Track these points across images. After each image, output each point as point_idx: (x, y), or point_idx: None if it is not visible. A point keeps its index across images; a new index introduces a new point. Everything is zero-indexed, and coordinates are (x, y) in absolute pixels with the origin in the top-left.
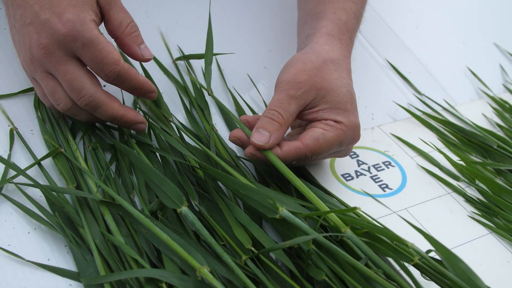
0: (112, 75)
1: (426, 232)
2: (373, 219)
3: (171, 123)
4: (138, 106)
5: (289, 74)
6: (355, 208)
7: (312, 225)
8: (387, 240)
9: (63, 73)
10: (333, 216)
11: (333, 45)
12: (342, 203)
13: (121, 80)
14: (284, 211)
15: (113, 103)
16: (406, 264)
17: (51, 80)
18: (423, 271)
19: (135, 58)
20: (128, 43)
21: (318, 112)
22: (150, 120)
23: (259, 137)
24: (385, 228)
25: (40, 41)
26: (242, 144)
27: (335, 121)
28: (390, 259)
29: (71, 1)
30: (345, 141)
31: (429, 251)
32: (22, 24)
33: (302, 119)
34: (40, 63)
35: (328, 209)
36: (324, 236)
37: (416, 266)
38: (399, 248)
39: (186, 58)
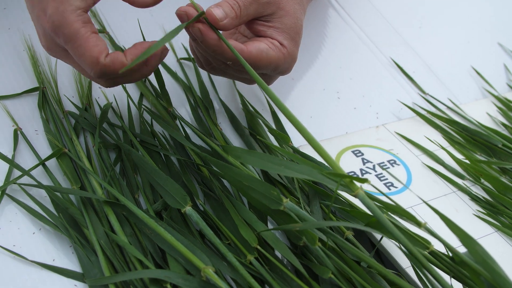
0: (94, 74)
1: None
2: (386, 197)
3: (176, 122)
4: (143, 105)
5: None
6: (366, 179)
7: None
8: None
9: (69, 63)
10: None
11: None
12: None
13: (108, 75)
14: (288, 203)
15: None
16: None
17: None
18: (439, 259)
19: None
20: None
21: (270, 28)
22: (153, 119)
23: (217, 11)
24: (396, 204)
25: (40, 37)
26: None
27: (281, 44)
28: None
29: None
30: (281, 67)
31: None
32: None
33: (251, 28)
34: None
35: (339, 166)
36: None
37: (432, 254)
38: (413, 234)
39: (192, 60)
